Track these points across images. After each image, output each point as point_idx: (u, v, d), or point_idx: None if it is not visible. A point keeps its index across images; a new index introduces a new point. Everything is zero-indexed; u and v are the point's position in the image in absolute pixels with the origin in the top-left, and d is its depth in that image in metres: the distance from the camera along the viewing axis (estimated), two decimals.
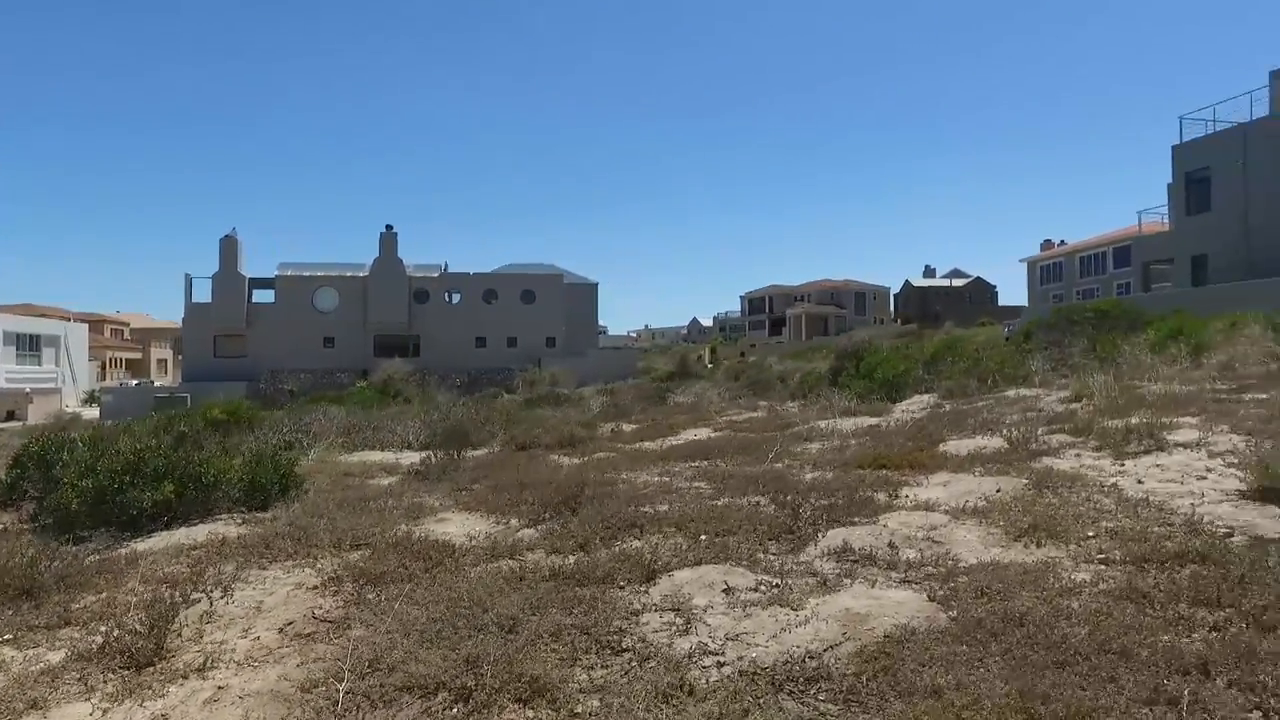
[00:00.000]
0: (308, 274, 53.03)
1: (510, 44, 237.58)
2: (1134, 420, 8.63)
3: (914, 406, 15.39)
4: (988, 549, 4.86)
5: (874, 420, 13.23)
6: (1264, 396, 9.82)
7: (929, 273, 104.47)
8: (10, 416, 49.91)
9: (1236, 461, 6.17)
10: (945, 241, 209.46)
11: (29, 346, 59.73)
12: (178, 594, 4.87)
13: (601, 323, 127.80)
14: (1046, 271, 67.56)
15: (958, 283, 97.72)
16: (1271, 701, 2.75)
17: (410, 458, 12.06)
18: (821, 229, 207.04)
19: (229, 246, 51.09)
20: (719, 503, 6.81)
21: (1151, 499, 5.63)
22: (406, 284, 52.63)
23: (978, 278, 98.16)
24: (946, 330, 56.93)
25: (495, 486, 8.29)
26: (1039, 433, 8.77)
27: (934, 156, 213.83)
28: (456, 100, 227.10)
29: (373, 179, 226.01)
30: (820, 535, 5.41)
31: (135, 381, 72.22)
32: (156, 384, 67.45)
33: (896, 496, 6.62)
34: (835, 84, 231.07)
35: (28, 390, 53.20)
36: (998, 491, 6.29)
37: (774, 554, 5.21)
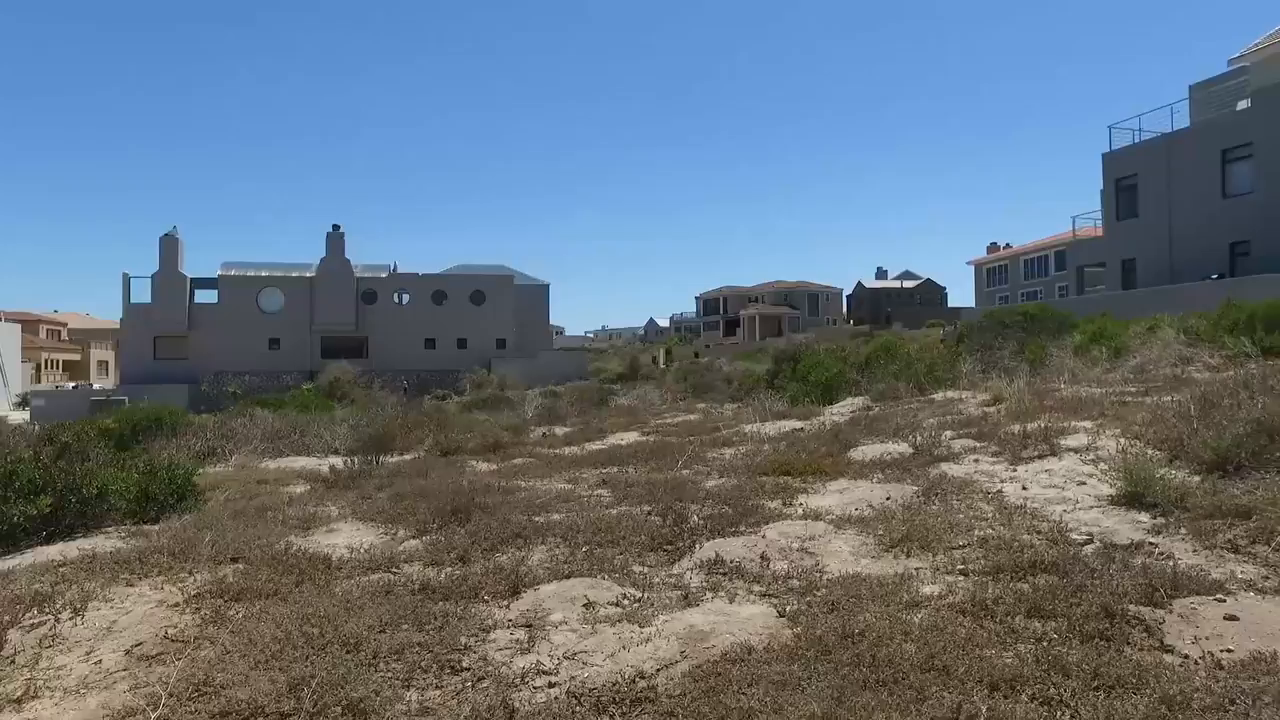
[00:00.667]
0: (252, 274, 51.99)
1: (458, 41, 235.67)
2: (1037, 424, 8.76)
3: (844, 409, 15.51)
4: (857, 560, 4.86)
5: (800, 424, 13.29)
6: (1165, 400, 10.05)
7: (881, 274, 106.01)
8: None
9: (1113, 467, 6.27)
10: (899, 243, 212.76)
11: None
12: (17, 615, 4.65)
13: (559, 323, 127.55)
14: (992, 274, 68.92)
15: (909, 284, 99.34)
16: (1069, 715, 2.75)
17: (334, 463, 11.82)
18: (777, 230, 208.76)
19: (169, 245, 49.83)
20: (613, 511, 6.74)
21: (1029, 506, 5.69)
22: (354, 284, 51.86)
23: (928, 280, 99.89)
24: (894, 332, 57.83)
25: (398, 495, 8.12)
26: (946, 438, 8.86)
27: (888, 157, 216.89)
28: (403, 97, 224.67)
29: (319, 178, 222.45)
30: (698, 546, 5.36)
31: (73, 384, 70.06)
32: (96, 386, 65.52)
33: (790, 504, 6.62)
34: (788, 84, 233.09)
35: None
36: (887, 499, 6.31)
37: (649, 566, 5.15)
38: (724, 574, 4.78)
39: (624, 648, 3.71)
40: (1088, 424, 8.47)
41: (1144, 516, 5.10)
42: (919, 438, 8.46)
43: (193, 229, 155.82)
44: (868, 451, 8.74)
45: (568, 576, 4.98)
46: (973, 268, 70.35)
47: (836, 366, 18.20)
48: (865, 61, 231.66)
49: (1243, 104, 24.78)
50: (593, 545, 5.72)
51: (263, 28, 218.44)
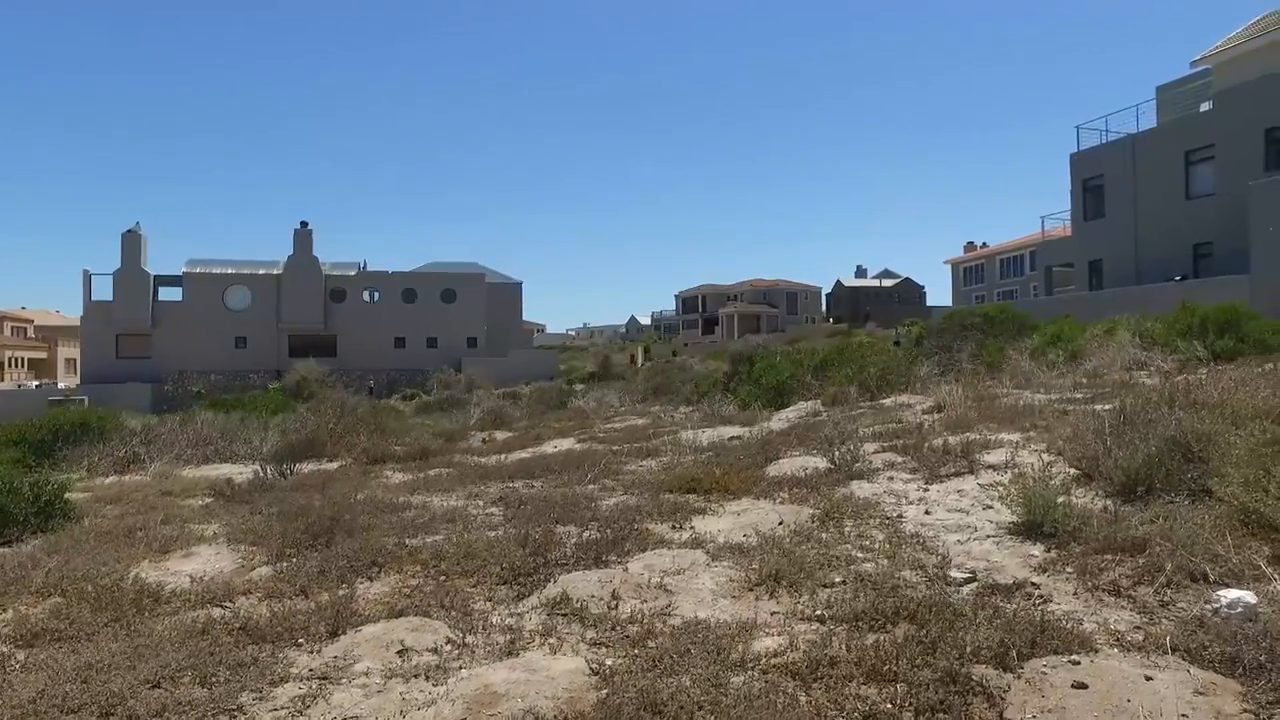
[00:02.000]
0: (218, 271, 51.10)
1: (431, 34, 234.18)
2: (965, 438, 8.33)
3: (793, 414, 15.06)
4: (715, 601, 4.38)
5: (739, 431, 12.83)
6: (1105, 408, 9.66)
7: (861, 273, 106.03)
8: None
9: (1020, 490, 5.82)
10: (879, 242, 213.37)
11: None
12: None
13: (540, 320, 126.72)
14: (969, 273, 68.89)
15: (888, 283, 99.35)
16: None
17: (250, 472, 11.27)
18: (757, 229, 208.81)
19: (131, 242, 48.90)
20: (491, 535, 6.24)
21: (924, 534, 5.23)
22: (322, 282, 51.11)
23: (907, 278, 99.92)
24: (868, 331, 57.61)
25: (281, 513, 7.57)
26: (869, 451, 8.41)
27: (869, 155, 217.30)
28: (375, 92, 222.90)
29: (287, 174, 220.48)
30: (553, 580, 4.87)
31: (36, 383, 68.78)
32: (60, 385, 64.23)
33: (680, 527, 6.14)
34: (768, 83, 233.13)
35: None
36: (779, 524, 5.84)
37: (494, 602, 4.67)
38: (565, 615, 4.29)
39: (402, 712, 3.22)
40: (1015, 436, 8.04)
41: (1038, 549, 4.65)
42: (839, 451, 8.01)
43: (158, 226, 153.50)
44: (786, 466, 8.27)
45: (399, 615, 4.48)
46: (950, 267, 70.32)
47: (789, 369, 17.76)
48: (846, 60, 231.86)
49: (1205, 106, 24.57)
50: (449, 575, 5.23)
51: (228, 22, 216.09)
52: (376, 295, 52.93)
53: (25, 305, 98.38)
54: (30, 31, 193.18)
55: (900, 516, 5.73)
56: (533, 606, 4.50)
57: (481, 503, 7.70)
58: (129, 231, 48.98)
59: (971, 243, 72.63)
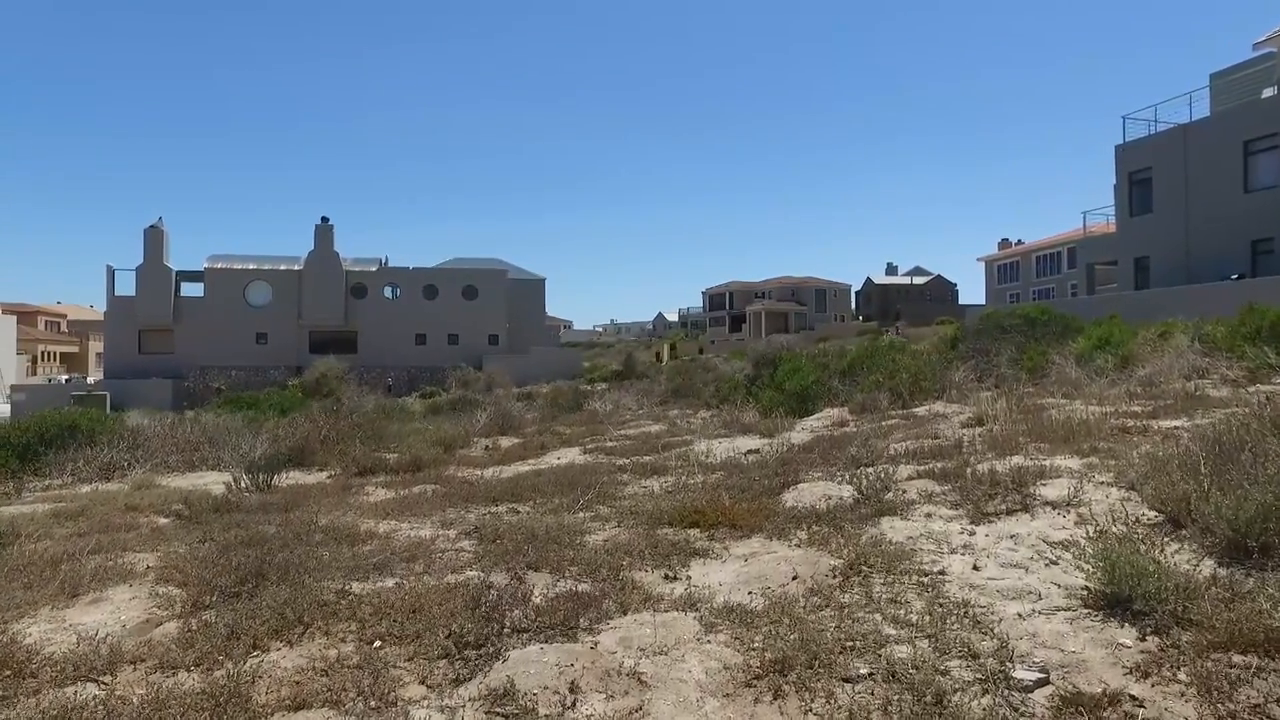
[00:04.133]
0: (239, 267, 50.76)
1: (459, 32, 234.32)
2: (1013, 462, 7.21)
3: (817, 423, 13.97)
4: (702, 701, 3.35)
5: (757, 443, 11.77)
6: (1173, 424, 8.47)
7: (891, 270, 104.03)
8: None
9: (1094, 546, 4.72)
10: (910, 239, 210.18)
11: None
12: None
13: (567, 317, 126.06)
14: (1003, 271, 67.07)
15: (919, 280, 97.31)
16: None
17: (229, 481, 10.43)
18: (786, 225, 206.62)
19: (154, 237, 48.69)
20: (453, 579, 5.26)
21: (974, 603, 4.15)
22: (343, 278, 50.60)
23: (938, 276, 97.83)
24: (899, 330, 56.04)
25: (225, 544, 6.65)
26: (903, 475, 7.33)
27: (900, 151, 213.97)
28: (401, 89, 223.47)
29: (309, 169, 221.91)
30: (504, 657, 3.86)
31: (65, 377, 69.28)
32: (90, 380, 64.55)
33: (675, 577, 5.12)
34: (799, 79, 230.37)
35: None
36: (794, 579, 4.79)
37: (426, 686, 3.68)
38: (504, 717, 3.29)
39: None
40: (1075, 463, 6.90)
41: (1129, 636, 3.55)
42: (868, 477, 6.93)
43: (182, 221, 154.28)
44: (805, 494, 7.20)
45: (300, 707, 3.52)
46: (983, 265, 68.43)
47: (814, 374, 16.63)
48: (877, 54, 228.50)
49: (1268, 91, 22.96)
50: (385, 640, 4.25)
51: (252, 20, 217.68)
52: (397, 291, 52.34)
53: (60, 300, 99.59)
54: (57, 30, 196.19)
55: (943, 573, 4.65)
56: (469, 699, 3.50)
57: (454, 533, 6.72)
58: (151, 227, 48.76)
59: (1006, 240, 70.61)
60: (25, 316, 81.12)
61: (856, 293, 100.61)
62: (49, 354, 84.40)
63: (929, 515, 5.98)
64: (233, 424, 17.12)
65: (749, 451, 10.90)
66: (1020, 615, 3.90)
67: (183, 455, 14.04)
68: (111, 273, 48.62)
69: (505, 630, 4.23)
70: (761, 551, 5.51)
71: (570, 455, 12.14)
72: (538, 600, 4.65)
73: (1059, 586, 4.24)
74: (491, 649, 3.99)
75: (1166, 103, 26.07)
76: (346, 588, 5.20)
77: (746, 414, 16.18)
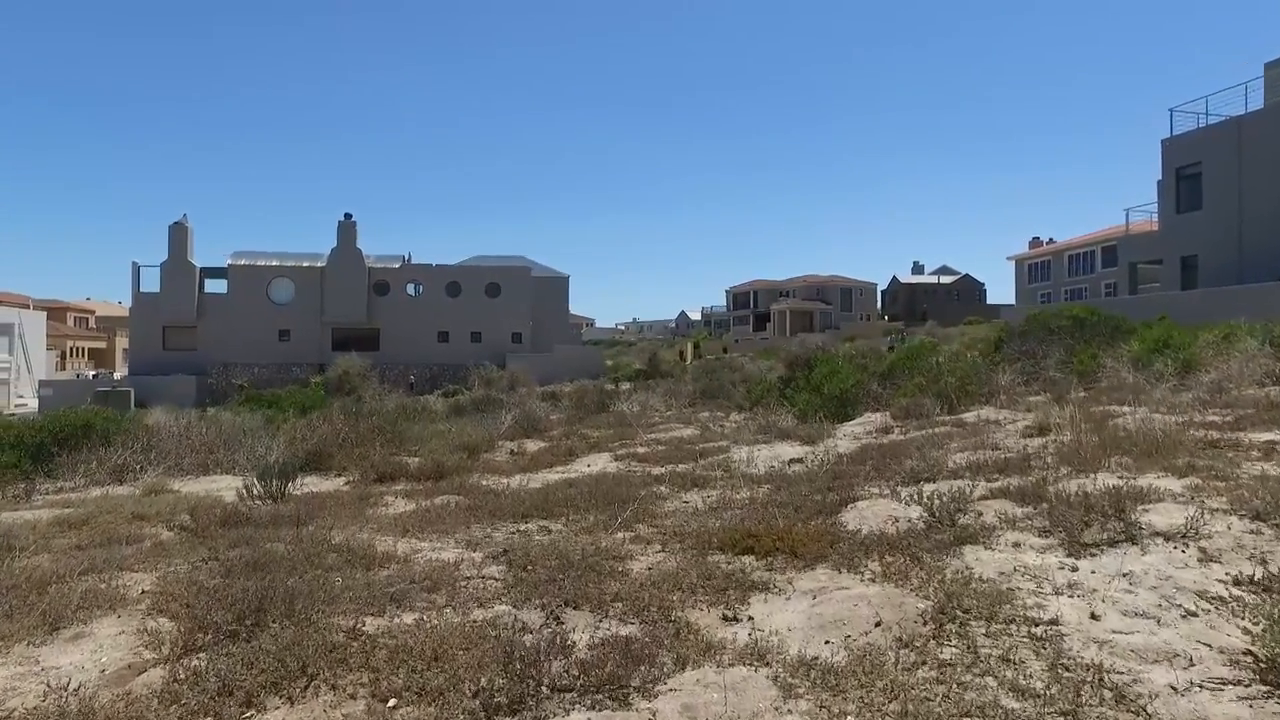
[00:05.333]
0: (262, 263, 50.62)
1: (481, 34, 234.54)
2: (1099, 480, 6.47)
3: (859, 429, 13.24)
4: None
5: (800, 450, 11.07)
6: (1267, 438, 7.68)
7: (918, 269, 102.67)
8: None
9: (1235, 586, 3.99)
10: (936, 237, 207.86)
11: None
12: None
13: (590, 315, 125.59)
14: (1034, 270, 65.76)
15: (946, 280, 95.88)
16: None
17: (241, 488, 9.89)
18: (810, 224, 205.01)
19: (179, 234, 48.63)
20: (480, 616, 4.62)
21: (1108, 669, 3.44)
22: (366, 275, 50.29)
23: (966, 275, 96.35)
24: (927, 330, 54.93)
25: (231, 566, 6.06)
26: (974, 492, 6.60)
27: (927, 151, 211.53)
28: (424, 88, 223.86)
29: (333, 166, 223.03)
30: None
31: (93, 373, 69.65)
32: (116, 375, 64.83)
33: (735, 618, 4.45)
34: (823, 77, 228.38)
35: None
36: (877, 625, 4.10)
37: None
38: None
39: None
40: (1174, 484, 6.15)
41: None
42: (940, 497, 6.22)
43: (206, 218, 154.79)
44: (868, 513, 6.49)
45: None
46: (1013, 264, 67.07)
47: (854, 376, 15.87)
48: (899, 46, 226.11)
49: None
50: (400, 699, 3.62)
51: (277, 16, 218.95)
52: (420, 289, 51.98)
53: (89, 296, 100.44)
54: (89, 31, 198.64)
55: (1055, 622, 3.94)
56: None
57: (480, 556, 6.08)
58: (176, 223, 48.69)
59: (1037, 238, 69.16)
60: (55, 312, 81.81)
61: (882, 292, 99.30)
62: (78, 350, 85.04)
63: (1017, 545, 5.26)
64: (251, 424, 16.65)
65: (792, 461, 10.21)
66: (1174, 689, 3.19)
67: (197, 457, 13.55)
68: (137, 269, 48.61)
69: (543, 689, 3.58)
70: (830, 586, 4.83)
71: (601, 462, 11.50)
72: (580, 649, 3.99)
73: (1210, 648, 3.52)
74: (529, 716, 3.34)
75: (1218, 94, 25.05)
76: (359, 625, 4.58)
77: (782, 418, 15.48)
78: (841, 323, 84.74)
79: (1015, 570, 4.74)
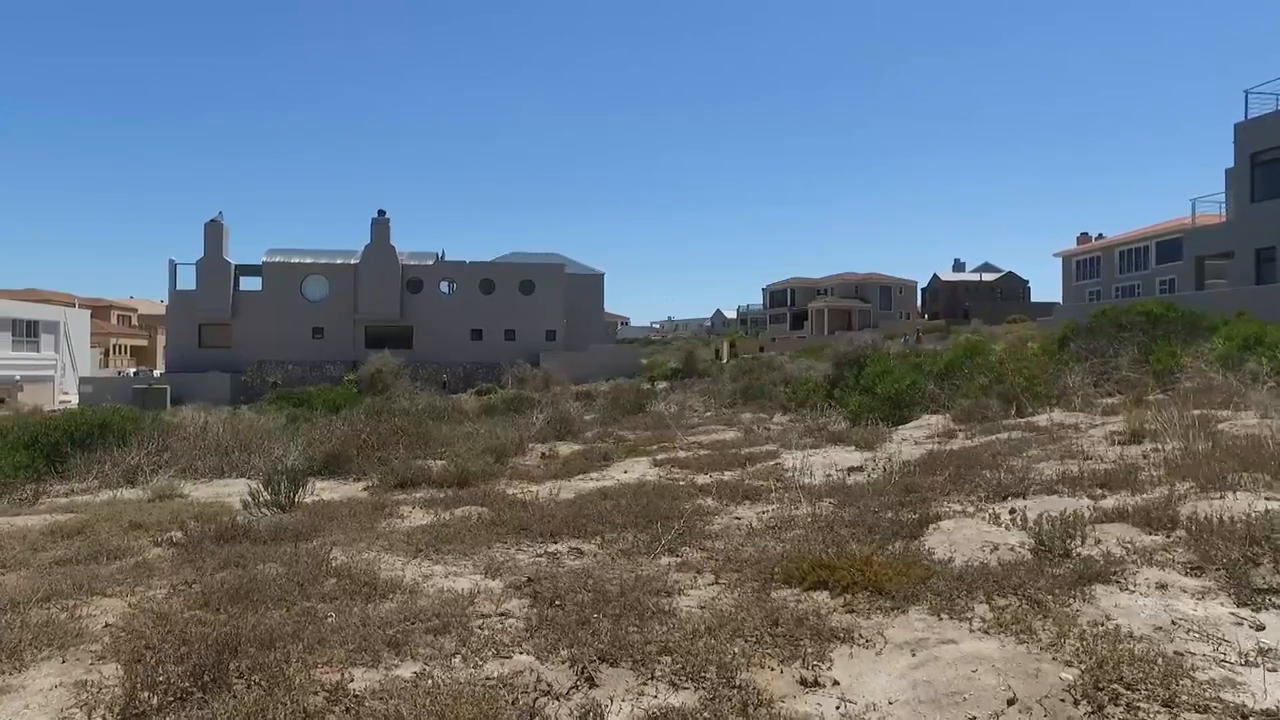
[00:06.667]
0: (296, 261, 50.46)
1: (517, 34, 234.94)
2: (1237, 501, 5.39)
3: (918, 433, 12.16)
4: None
5: (857, 457, 10.04)
6: None
7: (959, 266, 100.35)
8: (0, 404, 47.72)
9: None
10: (978, 234, 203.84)
11: (26, 333, 57.92)
12: None
13: (624, 314, 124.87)
14: (1083, 267, 63.56)
15: (988, 277, 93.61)
16: None
17: (248, 493, 9.13)
18: (847, 221, 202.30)
19: (214, 231, 48.61)
20: (494, 670, 3.71)
21: None
22: (399, 273, 49.88)
23: (1009, 272, 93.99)
24: (972, 329, 53.22)
25: (210, 593, 5.21)
26: (1084, 513, 5.55)
27: (965, 146, 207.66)
28: (461, 89, 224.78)
29: (366, 163, 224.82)
30: None
31: (135, 370, 70.41)
32: (156, 372, 65.40)
33: (815, 682, 3.48)
34: (860, 71, 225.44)
35: (17, 378, 51.26)
36: (1010, 704, 3.11)
37: None
38: None
39: None
40: None
41: None
42: (1045, 518, 5.18)
43: (239, 216, 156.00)
44: (957, 538, 5.47)
45: None
46: (1060, 260, 64.88)
47: (910, 376, 14.76)
48: (937, 46, 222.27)
49: None
50: None
51: (311, 18, 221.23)
52: (453, 286, 51.48)
53: (132, 294, 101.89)
54: (125, 34, 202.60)
55: (1272, 716, 2.91)
56: None
57: (500, 586, 5.16)
58: (211, 221, 48.69)
59: (1085, 234, 66.79)
60: (99, 311, 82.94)
61: (922, 290, 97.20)
62: (120, 347, 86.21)
63: (1162, 587, 4.22)
64: (273, 425, 15.99)
65: (852, 469, 9.19)
66: None
67: (213, 459, 12.87)
68: (173, 267, 48.72)
69: None
70: (931, 638, 3.83)
71: (639, 469, 10.57)
72: None
73: None
74: None
75: None
76: (345, 679, 3.69)
77: (831, 420, 14.43)
78: (880, 321, 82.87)
79: (1174, 624, 3.72)
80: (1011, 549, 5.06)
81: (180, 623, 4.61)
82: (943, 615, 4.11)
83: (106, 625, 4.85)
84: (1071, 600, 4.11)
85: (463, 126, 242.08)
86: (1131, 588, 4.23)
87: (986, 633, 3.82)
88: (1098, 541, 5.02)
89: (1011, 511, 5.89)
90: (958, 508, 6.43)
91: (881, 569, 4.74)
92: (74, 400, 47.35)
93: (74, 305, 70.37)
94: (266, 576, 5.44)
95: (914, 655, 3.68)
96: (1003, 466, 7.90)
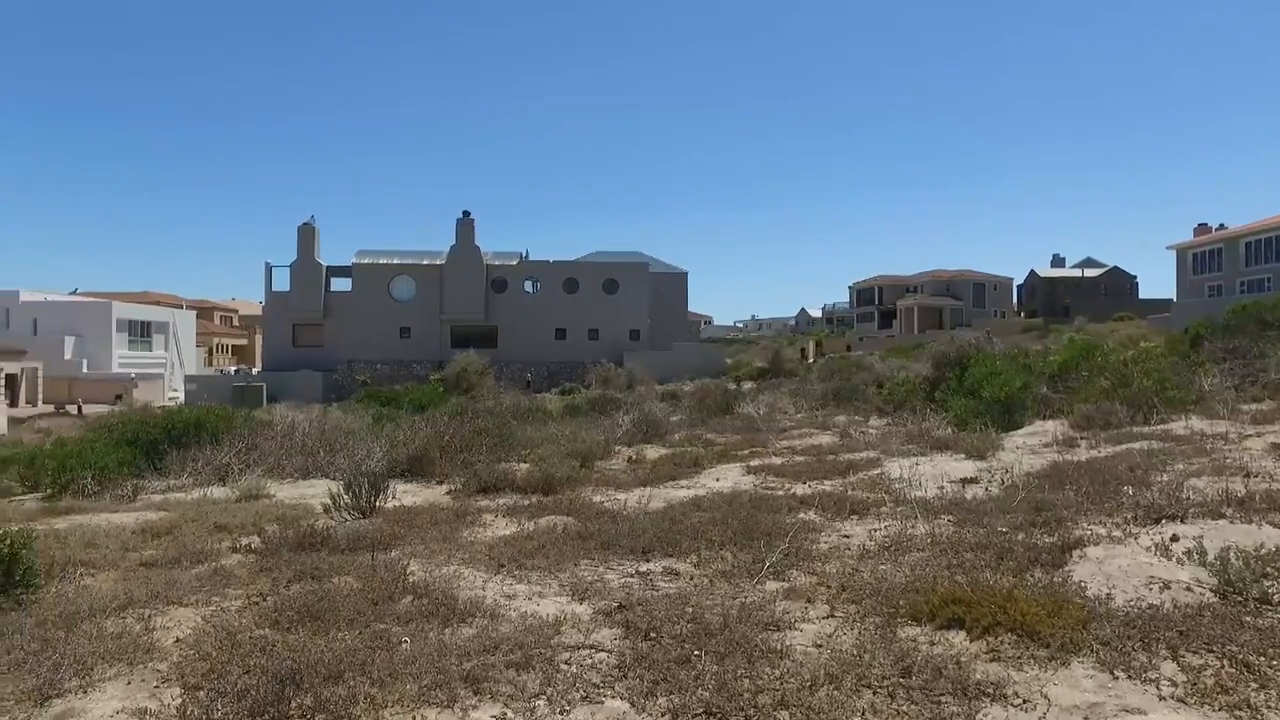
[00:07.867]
0: (384, 261, 51.55)
1: (607, 38, 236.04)
2: None
3: (1033, 441, 11.20)
4: None
5: (970, 467, 9.22)
6: None
7: (1058, 262, 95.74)
8: (118, 400, 50.27)
9: None
10: (1076, 229, 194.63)
11: (140, 333, 61.16)
12: None
13: (707, 313, 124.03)
14: (1200, 260, 59.60)
15: (1091, 273, 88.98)
16: None
17: (329, 497, 8.95)
18: (938, 217, 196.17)
19: (306, 234, 50.07)
20: (582, 718, 3.21)
21: None
22: (484, 273, 50.41)
23: (1114, 267, 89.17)
24: (1077, 327, 50.49)
25: (281, 609, 4.89)
26: (1272, 544, 4.71)
27: (1062, 135, 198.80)
28: (547, 92, 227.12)
29: (453, 165, 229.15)
30: None
31: (235, 368, 73.42)
32: (255, 371, 68.07)
33: None
34: (952, 57, 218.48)
35: (133, 375, 54.02)
36: None
37: None
38: None
39: None
40: None
41: None
42: (1231, 549, 4.39)
43: (330, 219, 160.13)
44: (1110, 568, 4.72)
45: None
46: (1174, 253, 61.02)
47: (1021, 379, 13.71)
48: (1033, 31, 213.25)
49: None
50: None
51: (400, 15, 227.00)
52: (537, 285, 51.73)
53: (234, 296, 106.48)
54: (212, 34, 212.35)
55: None
56: None
57: (589, 612, 4.67)
58: (304, 224, 50.17)
59: (1204, 225, 62.61)
60: (204, 312, 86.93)
61: (1019, 286, 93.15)
62: (223, 346, 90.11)
63: None
64: (358, 424, 16.02)
65: (966, 481, 8.39)
66: None
67: (300, 459, 12.86)
68: (269, 269, 50.36)
69: None
70: (1108, 703, 3.15)
71: (731, 476, 9.97)
72: None
73: None
74: None
75: None
76: None
77: (934, 424, 13.51)
78: (974, 320, 79.71)
79: None
80: (1187, 588, 4.29)
81: (246, 645, 4.30)
82: (1117, 673, 3.41)
83: (177, 640, 4.58)
84: (1275, 665, 3.36)
85: (545, 126, 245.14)
86: None
87: (1184, 701, 3.12)
88: None
89: (1174, 538, 5.09)
90: (1102, 531, 5.63)
91: (1027, 607, 4.05)
92: (181, 397, 49.52)
93: (181, 307, 73.87)
94: (340, 592, 5.10)
95: None
96: (1147, 482, 7.02)
